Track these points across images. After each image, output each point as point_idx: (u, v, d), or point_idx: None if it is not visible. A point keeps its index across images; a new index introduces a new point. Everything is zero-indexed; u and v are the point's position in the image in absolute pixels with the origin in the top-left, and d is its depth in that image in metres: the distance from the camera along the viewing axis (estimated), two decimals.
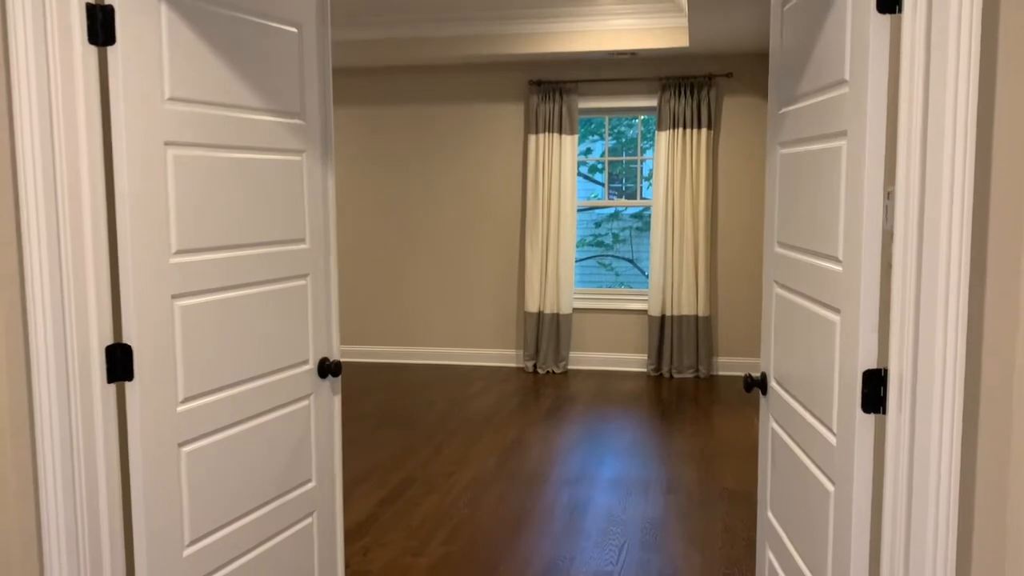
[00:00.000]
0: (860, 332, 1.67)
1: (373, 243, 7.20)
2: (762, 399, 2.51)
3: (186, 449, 2.13)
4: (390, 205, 7.13)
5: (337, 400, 2.74)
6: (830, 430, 1.84)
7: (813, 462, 1.96)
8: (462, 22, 6.29)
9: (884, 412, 1.65)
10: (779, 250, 2.28)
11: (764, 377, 2.45)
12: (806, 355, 2.01)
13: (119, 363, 1.96)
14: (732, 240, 6.68)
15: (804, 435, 2.03)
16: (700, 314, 6.61)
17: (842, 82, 1.76)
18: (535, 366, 6.92)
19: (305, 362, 2.58)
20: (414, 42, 6.41)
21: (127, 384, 1.98)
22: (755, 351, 6.75)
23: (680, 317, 6.65)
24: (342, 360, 7.35)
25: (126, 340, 1.96)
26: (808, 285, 1.99)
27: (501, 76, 6.86)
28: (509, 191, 6.96)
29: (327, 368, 2.64)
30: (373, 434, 5.25)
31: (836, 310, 1.80)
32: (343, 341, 7.35)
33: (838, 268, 1.79)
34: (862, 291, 1.66)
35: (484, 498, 4.19)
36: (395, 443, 5.07)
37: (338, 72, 7.09)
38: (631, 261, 10.54)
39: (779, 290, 2.28)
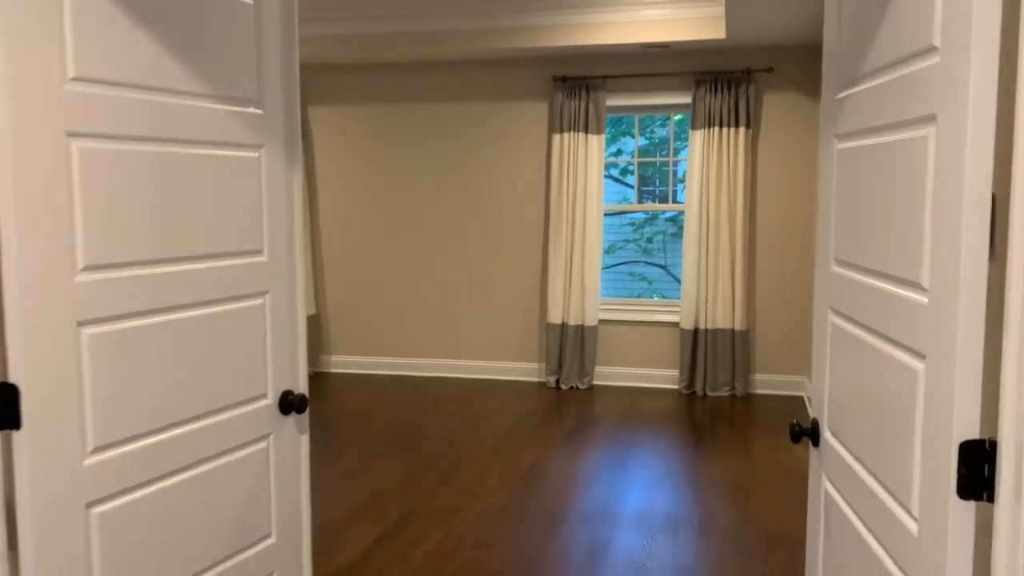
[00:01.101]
0: (956, 388, 1.22)
1: (386, 250, 6.81)
2: (812, 451, 2.06)
3: (97, 511, 1.73)
4: (404, 210, 6.74)
5: (304, 440, 2.33)
6: (910, 514, 1.39)
7: (885, 550, 1.51)
8: (481, 14, 5.88)
9: (990, 499, 1.19)
10: (837, 269, 1.82)
11: (815, 425, 2.00)
12: (875, 409, 1.56)
13: (2, 408, 1.56)
14: (771, 248, 6.19)
15: (872, 511, 1.58)
16: (736, 327, 6.12)
17: (930, 49, 1.31)
18: (558, 381, 6.48)
19: (263, 396, 2.17)
20: (429, 36, 6.01)
21: (14, 434, 1.58)
22: (795, 368, 6.24)
23: (715, 330, 6.16)
24: (354, 373, 6.97)
25: (12, 379, 1.57)
26: (878, 318, 1.54)
27: (523, 72, 6.44)
28: (531, 195, 6.53)
29: (291, 403, 2.23)
30: (376, 459, 4.85)
31: (920, 355, 1.35)
32: (353, 352, 6.97)
33: (922, 299, 1.34)
34: (959, 332, 1.21)
35: (492, 537, 3.76)
36: (399, 469, 4.67)
37: (346, 69, 6.72)
38: (664, 268, 10.07)
39: (836, 319, 1.83)
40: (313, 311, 6.89)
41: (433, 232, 6.72)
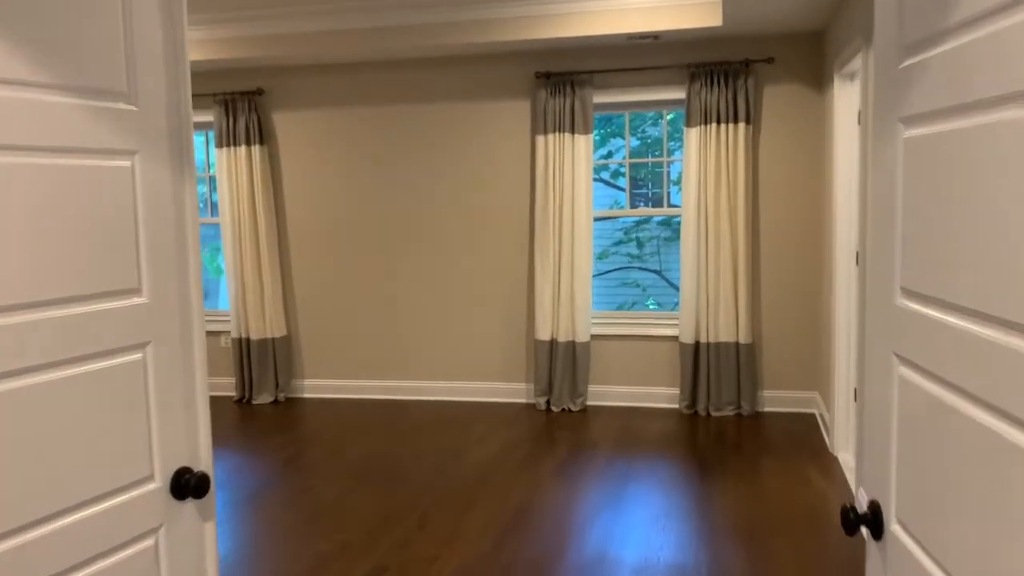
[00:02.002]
0: None
1: (359, 265, 6.30)
2: (871, 545, 1.55)
3: None
4: (378, 221, 6.23)
5: (209, 530, 1.82)
6: None
7: None
8: (455, 6, 5.38)
9: None
10: (907, 304, 1.32)
11: (876, 512, 1.49)
12: (983, 509, 1.05)
13: None
14: (777, 254, 5.69)
15: None
16: (741, 341, 5.62)
17: None
18: (548, 403, 5.97)
19: (147, 479, 1.66)
20: (398, 31, 5.51)
21: None
22: (806, 383, 5.74)
23: (717, 344, 5.66)
24: (328, 398, 6.45)
25: None
26: (993, 383, 1.03)
27: (502, 69, 5.94)
28: (515, 201, 6.03)
29: (186, 484, 1.72)
30: (347, 498, 4.33)
31: None
32: (327, 375, 6.45)
33: None
34: None
35: None
36: (372, 511, 4.15)
37: (308, 70, 6.21)
38: (659, 273, 9.57)
39: (907, 372, 1.33)
40: (284, 332, 6.37)
41: (410, 244, 6.21)
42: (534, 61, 5.88)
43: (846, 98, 4.64)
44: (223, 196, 6.27)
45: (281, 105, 6.29)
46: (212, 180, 6.60)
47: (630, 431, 5.41)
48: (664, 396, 5.94)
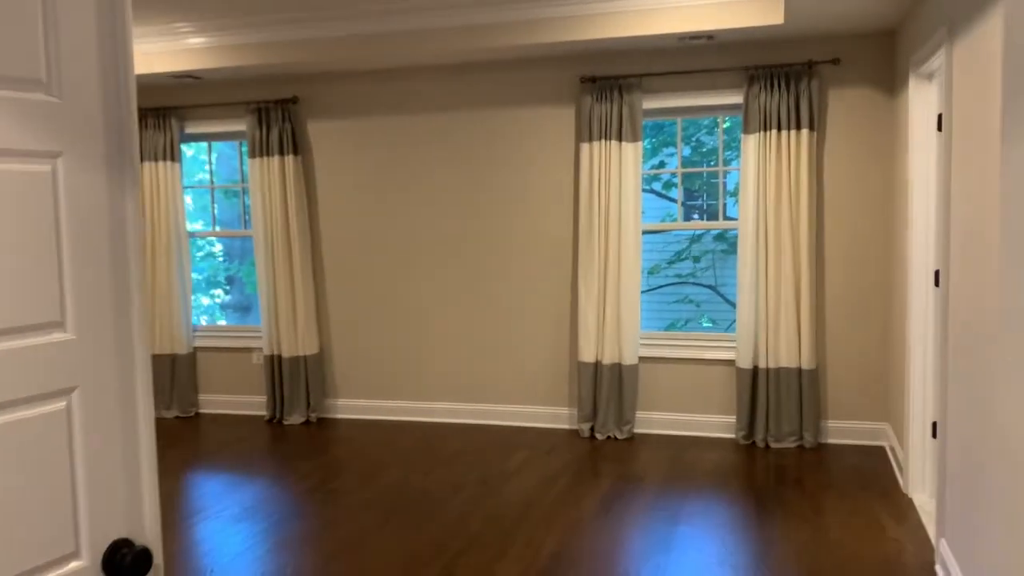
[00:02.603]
0: None
1: (396, 280, 6.00)
2: None
3: None
4: (415, 235, 5.93)
5: None
6: None
7: None
8: (495, 7, 5.06)
9: None
10: None
11: None
12: None
13: None
14: (844, 271, 5.24)
15: None
16: (804, 366, 5.17)
17: None
18: (592, 430, 5.58)
19: (70, 557, 1.34)
20: (436, 35, 5.21)
21: None
22: (875, 413, 5.26)
23: (777, 370, 5.22)
24: (361, 419, 6.15)
25: None
26: None
27: (546, 73, 5.60)
28: (558, 213, 5.67)
29: (120, 562, 1.40)
30: (373, 535, 4.01)
31: None
32: (361, 395, 6.16)
33: None
34: None
35: None
36: (398, 551, 3.82)
37: (344, 77, 5.94)
38: (713, 288, 9.10)
39: None
40: (316, 350, 6.10)
41: (448, 259, 5.89)
42: (579, 64, 5.53)
43: (923, 101, 4.19)
44: (256, 209, 6.04)
45: (316, 114, 6.04)
46: (246, 192, 6.37)
47: (681, 463, 5.00)
48: (719, 425, 5.51)
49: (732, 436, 5.48)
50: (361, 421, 6.10)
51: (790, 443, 5.25)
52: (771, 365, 5.23)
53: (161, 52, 5.70)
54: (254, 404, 6.39)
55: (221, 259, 9.60)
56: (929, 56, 3.86)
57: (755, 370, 5.31)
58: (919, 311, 4.21)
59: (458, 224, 5.84)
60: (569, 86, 5.57)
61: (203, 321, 9.32)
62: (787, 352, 5.18)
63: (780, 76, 5.09)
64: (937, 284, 4.09)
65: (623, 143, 5.36)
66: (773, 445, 5.27)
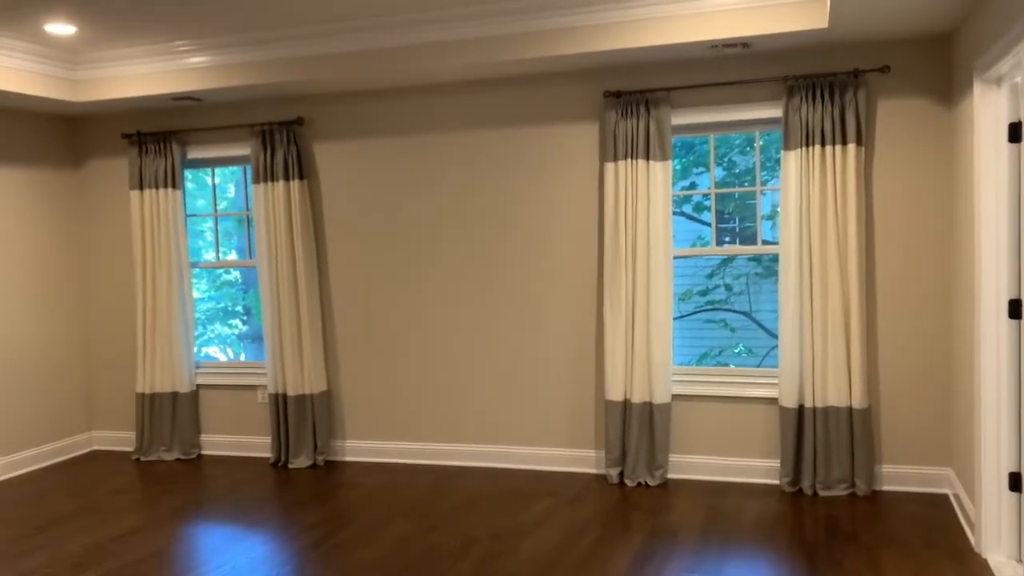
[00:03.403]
0: None
1: (407, 312, 5.59)
2: None
3: None
4: (426, 263, 5.52)
5: None
6: None
7: None
8: (511, 17, 4.68)
9: None
10: None
11: None
12: None
13: None
14: (898, 299, 4.74)
15: None
16: (855, 405, 4.67)
17: None
18: (621, 475, 5.10)
19: None
20: (450, 48, 4.83)
21: None
22: (935, 457, 4.73)
23: (826, 409, 4.72)
24: (370, 462, 5.72)
25: None
26: None
27: (566, 88, 5.20)
28: (581, 238, 5.24)
29: None
30: None
31: None
32: (371, 435, 5.74)
33: None
34: None
35: None
36: None
37: (350, 97, 5.58)
38: (748, 315, 8.59)
39: None
40: (324, 387, 5.70)
41: (463, 290, 5.48)
42: (602, 78, 5.12)
43: (991, 108, 3.71)
44: (260, 237, 5.68)
45: (323, 136, 5.69)
46: (251, 220, 6.01)
47: (720, 513, 4.50)
48: (761, 470, 5.00)
49: (776, 482, 4.97)
50: (370, 464, 5.67)
51: (841, 490, 4.73)
52: (818, 404, 4.73)
53: (159, 73, 5.38)
54: (259, 445, 6.00)
55: (237, 288, 9.29)
56: (999, 58, 3.39)
57: (800, 409, 4.81)
58: (991, 345, 3.70)
59: (474, 252, 5.43)
60: (592, 101, 5.16)
61: (222, 353, 8.99)
62: (836, 389, 4.69)
63: (823, 86, 4.63)
64: (1013, 315, 3.60)
65: (651, 161, 4.93)
66: (822, 493, 4.75)
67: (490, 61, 4.79)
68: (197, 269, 6.25)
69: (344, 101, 5.62)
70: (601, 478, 5.18)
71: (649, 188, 4.95)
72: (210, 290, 9.30)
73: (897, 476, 4.78)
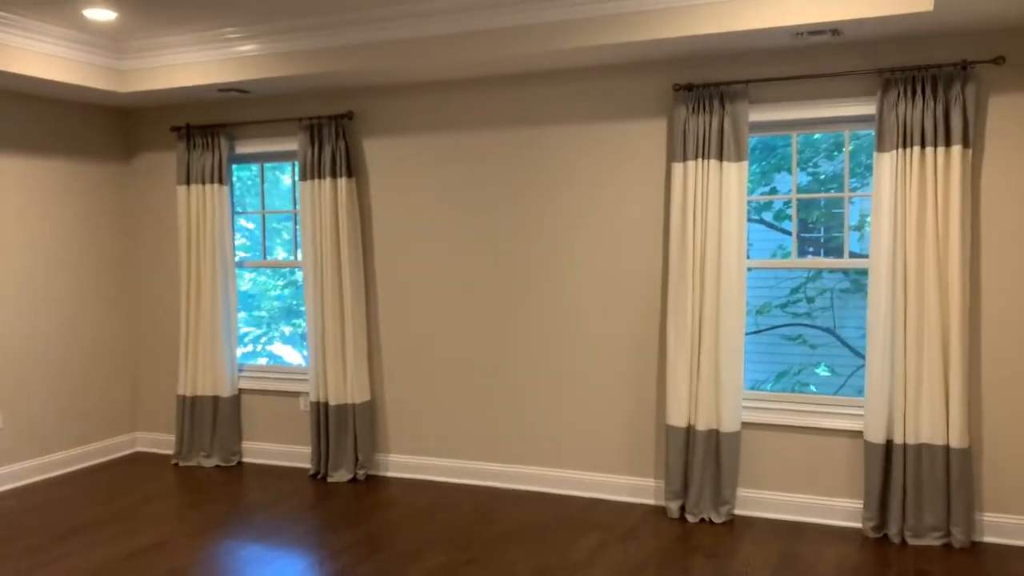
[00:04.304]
0: None
1: (455, 322, 5.22)
2: None
3: None
4: (478, 268, 5.14)
5: None
6: None
7: None
8: (570, 2, 4.26)
9: None
10: None
11: None
12: None
13: None
14: (1009, 323, 4.14)
15: None
16: (953, 444, 4.09)
17: None
18: (683, 509, 4.62)
19: None
20: (505, 35, 4.44)
21: None
22: None
23: (919, 447, 4.15)
24: (412, 479, 5.37)
25: None
26: None
27: (632, 80, 4.75)
28: (643, 246, 4.78)
29: None
30: None
31: None
32: (414, 450, 5.39)
33: None
34: None
35: None
36: None
37: (402, 90, 5.24)
38: (831, 332, 7.95)
39: None
40: (367, 397, 5.38)
41: (515, 299, 5.08)
42: (672, 69, 4.66)
43: None
44: (306, 237, 5.39)
45: (373, 131, 5.37)
46: (298, 218, 5.74)
47: (794, 559, 3.99)
48: (841, 511, 4.46)
49: (858, 526, 4.41)
50: (413, 481, 5.32)
51: (934, 539, 4.15)
52: (910, 440, 4.16)
53: (206, 62, 5.15)
54: (301, 455, 5.71)
55: (301, 287, 9.08)
56: None
57: (889, 445, 4.25)
58: None
59: (530, 259, 5.03)
60: (660, 95, 4.69)
61: (290, 351, 8.78)
62: (931, 425, 4.11)
63: (925, 80, 4.07)
64: None
65: (724, 162, 4.44)
66: (911, 541, 4.18)
67: (549, 50, 4.37)
68: (241, 268, 6.00)
69: (396, 95, 5.29)
70: (659, 510, 4.71)
71: (722, 192, 4.47)
72: (276, 288, 9.14)
73: (1001, 527, 4.17)
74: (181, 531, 4.48)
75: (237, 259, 5.97)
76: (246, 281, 6.53)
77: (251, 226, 7.23)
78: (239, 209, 6.06)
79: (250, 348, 6.55)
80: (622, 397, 4.86)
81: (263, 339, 7.46)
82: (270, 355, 7.67)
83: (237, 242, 6.30)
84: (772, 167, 7.12)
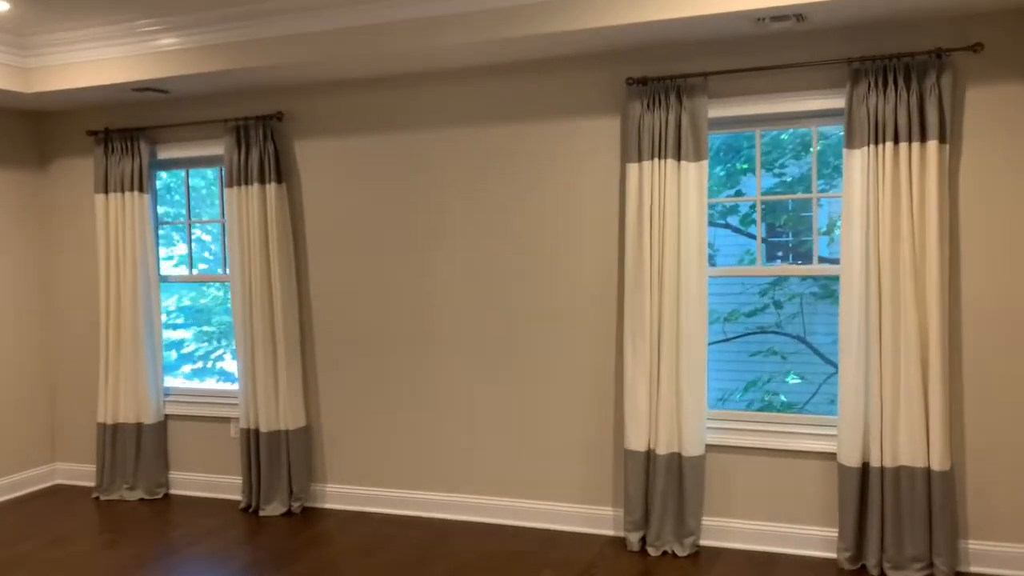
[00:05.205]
0: None
1: (398, 337, 4.80)
2: None
3: None
4: (421, 282, 4.73)
5: None
6: None
7: None
8: None
9: None
10: None
11: None
12: None
13: None
14: (991, 334, 3.80)
15: None
16: (934, 466, 3.74)
17: None
18: (643, 541, 4.23)
19: None
20: (437, 23, 4.04)
21: None
22: None
23: (896, 469, 3.80)
24: (352, 511, 4.94)
25: None
26: None
27: (581, 74, 4.37)
28: (597, 255, 4.40)
29: None
30: None
31: None
32: (354, 480, 4.96)
33: None
34: None
35: None
36: None
37: (333, 87, 4.83)
38: (802, 339, 7.63)
39: None
40: (302, 423, 4.94)
41: (462, 313, 4.67)
42: (625, 62, 4.29)
43: None
44: (233, 248, 4.95)
45: (305, 132, 4.94)
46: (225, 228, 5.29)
47: None
48: (815, 540, 4.09)
49: (833, 555, 4.05)
50: (353, 514, 4.88)
51: (915, 571, 3.79)
52: (887, 463, 3.81)
53: (118, 58, 4.70)
54: (233, 486, 5.26)
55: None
56: None
57: (865, 468, 3.89)
58: None
59: (477, 270, 4.63)
60: (612, 90, 4.32)
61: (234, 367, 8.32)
62: (910, 445, 3.76)
63: (897, 70, 3.73)
64: None
65: (683, 162, 4.07)
66: (891, 573, 3.82)
67: (488, 39, 3.98)
68: (167, 283, 5.53)
69: (329, 93, 4.87)
70: (619, 542, 4.31)
71: (680, 194, 4.10)
72: (228, 301, 8.68)
73: (988, 555, 3.83)
74: None
75: (162, 273, 5.50)
76: (204, 295, 6.07)
77: (203, 235, 6.77)
78: (167, 220, 5.60)
79: (200, 365, 6.09)
80: (578, 418, 4.47)
81: (213, 355, 7.00)
82: (221, 372, 7.21)
83: (172, 254, 5.84)
84: (739, 169, 6.79)
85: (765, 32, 3.96)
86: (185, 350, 6.25)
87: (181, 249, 5.98)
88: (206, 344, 6.25)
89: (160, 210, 5.51)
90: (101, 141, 5.26)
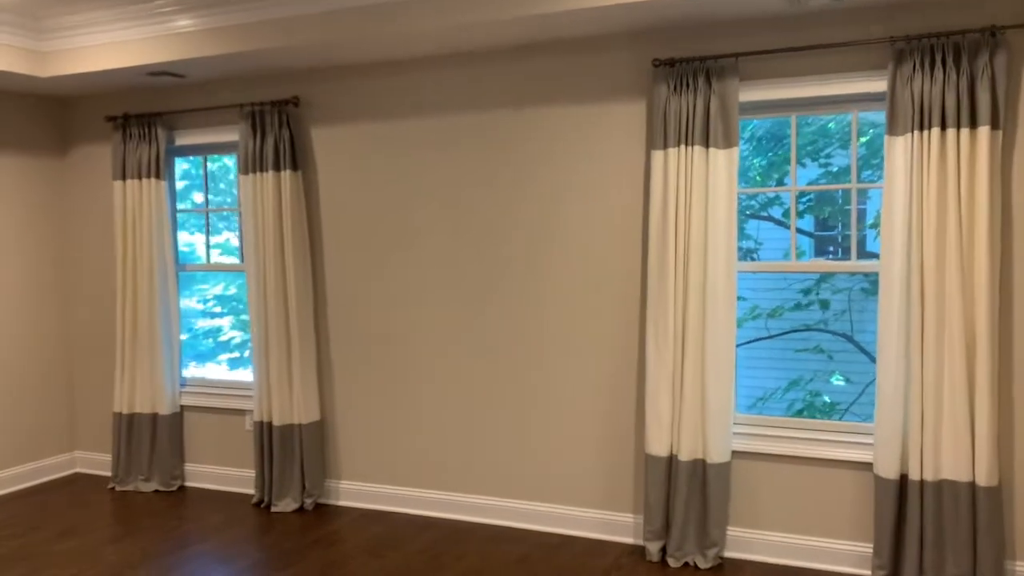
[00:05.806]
0: None
1: (415, 331, 4.63)
2: None
3: None
4: (439, 273, 4.55)
5: None
6: None
7: None
8: None
9: None
10: None
11: None
12: None
13: None
14: None
15: None
16: (980, 480, 3.44)
17: None
18: (664, 551, 4.00)
19: None
20: (444, 2, 3.84)
21: None
22: None
23: (939, 483, 3.51)
24: (366, 509, 4.79)
25: None
26: None
27: (606, 55, 4.13)
28: (621, 248, 4.16)
29: None
30: None
31: None
32: (368, 477, 4.81)
33: None
34: None
35: None
36: None
37: (352, 70, 4.66)
38: (849, 338, 7.30)
39: None
40: (316, 417, 4.81)
41: (483, 306, 4.48)
42: (651, 43, 4.04)
43: None
44: (247, 237, 4.83)
45: (322, 118, 4.79)
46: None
47: None
48: (847, 555, 3.82)
49: (867, 573, 3.78)
50: (365, 512, 4.74)
51: None
52: (928, 476, 3.52)
53: (133, 41, 4.59)
54: (246, 480, 5.15)
55: None
56: None
57: (903, 481, 3.61)
58: None
59: (497, 260, 4.43)
60: (637, 73, 4.07)
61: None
62: (954, 458, 3.47)
63: (946, 49, 3.43)
64: None
65: (711, 149, 3.82)
66: None
67: (512, 16, 3.77)
68: (184, 272, 5.43)
69: (347, 77, 4.71)
70: (638, 551, 4.09)
71: (708, 183, 3.84)
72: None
73: None
74: (89, 572, 3.92)
75: (181, 262, 5.41)
76: (233, 285, 5.99)
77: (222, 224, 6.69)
78: (195, 208, 5.51)
79: (236, 355, 6.00)
80: (598, 421, 4.25)
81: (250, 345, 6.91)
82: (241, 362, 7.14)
83: (216, 242, 5.75)
84: (783, 158, 6.48)
85: (801, 10, 3.68)
86: (222, 338, 6.17)
87: (224, 237, 5.89)
88: (241, 333, 6.17)
89: (207, 197, 5.41)
90: (120, 127, 5.17)
